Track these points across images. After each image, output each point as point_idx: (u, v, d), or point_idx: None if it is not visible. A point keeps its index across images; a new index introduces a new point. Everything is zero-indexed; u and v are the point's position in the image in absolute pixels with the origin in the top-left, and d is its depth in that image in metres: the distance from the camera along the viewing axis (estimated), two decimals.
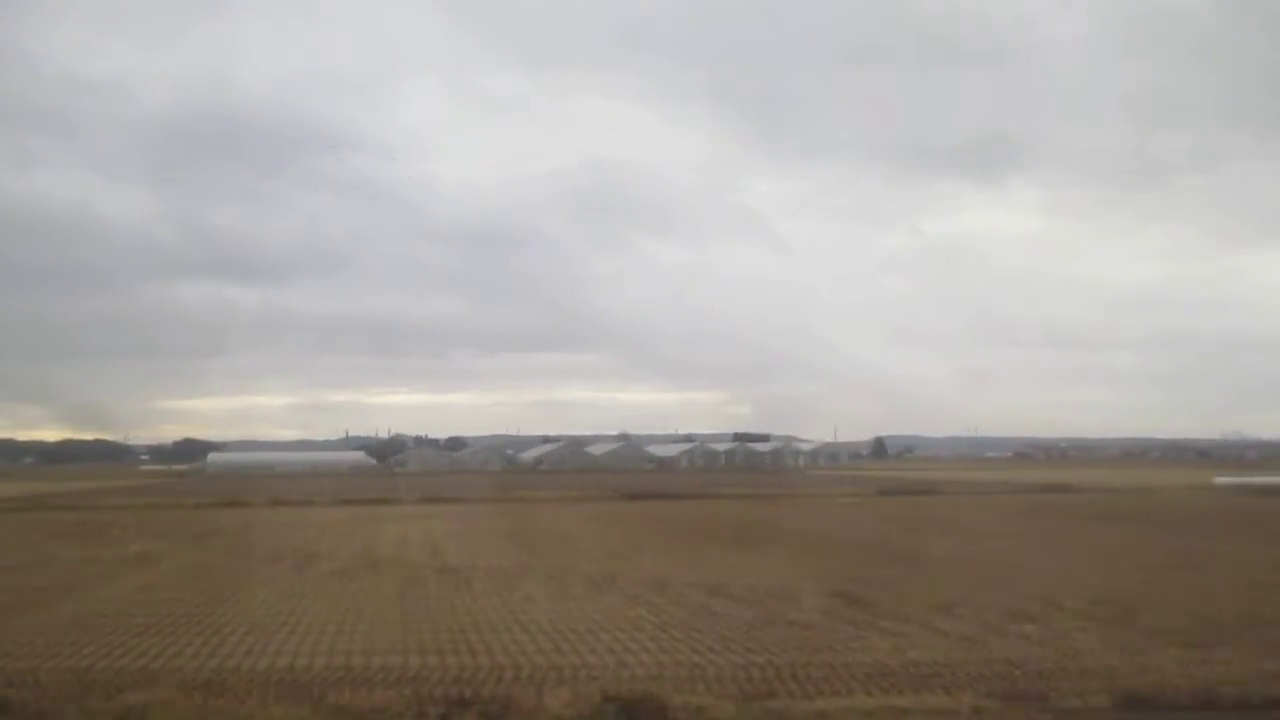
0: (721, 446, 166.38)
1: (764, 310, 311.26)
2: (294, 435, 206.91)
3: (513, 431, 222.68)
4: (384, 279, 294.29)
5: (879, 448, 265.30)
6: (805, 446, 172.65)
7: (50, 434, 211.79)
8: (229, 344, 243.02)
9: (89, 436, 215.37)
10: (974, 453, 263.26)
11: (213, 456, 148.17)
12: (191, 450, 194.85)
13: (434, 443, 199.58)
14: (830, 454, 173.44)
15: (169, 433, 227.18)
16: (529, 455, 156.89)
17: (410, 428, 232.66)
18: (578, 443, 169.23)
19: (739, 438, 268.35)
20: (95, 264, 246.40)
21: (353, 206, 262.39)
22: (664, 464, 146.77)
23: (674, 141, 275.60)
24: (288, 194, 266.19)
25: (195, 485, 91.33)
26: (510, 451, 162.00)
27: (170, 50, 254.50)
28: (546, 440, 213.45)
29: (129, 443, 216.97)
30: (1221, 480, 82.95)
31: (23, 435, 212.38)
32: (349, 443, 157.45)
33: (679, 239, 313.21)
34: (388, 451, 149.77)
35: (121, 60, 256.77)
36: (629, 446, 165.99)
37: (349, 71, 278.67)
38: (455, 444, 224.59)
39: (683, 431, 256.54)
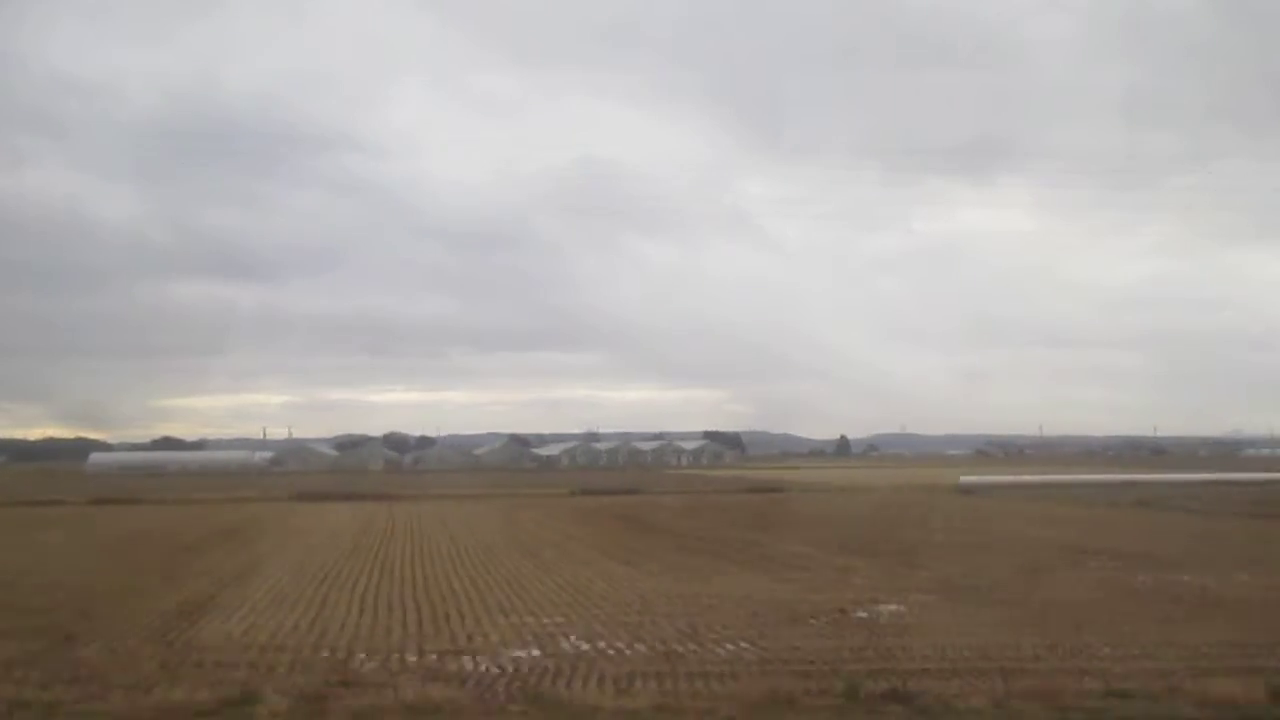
0: (604, 446, 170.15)
1: (759, 309, 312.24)
2: (294, 434, 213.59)
3: (511, 430, 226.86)
4: (378, 278, 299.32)
5: (844, 446, 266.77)
6: (689, 445, 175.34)
7: (33, 432, 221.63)
8: (225, 343, 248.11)
9: (70, 435, 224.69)
10: (938, 450, 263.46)
11: (94, 456, 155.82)
12: (168, 448, 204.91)
13: (391, 442, 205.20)
14: (714, 453, 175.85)
15: (170, 431, 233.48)
16: (410, 455, 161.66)
17: (407, 426, 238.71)
18: (471, 441, 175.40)
19: (708, 436, 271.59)
20: (89, 263, 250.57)
21: (346, 205, 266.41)
22: (546, 463, 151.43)
23: (667, 141, 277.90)
24: (281, 193, 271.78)
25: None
26: (397, 452, 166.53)
27: (161, 50, 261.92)
28: (514, 437, 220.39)
29: (112, 441, 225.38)
30: (965, 480, 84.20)
31: (4, 434, 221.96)
32: (260, 444, 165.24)
33: (673, 238, 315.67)
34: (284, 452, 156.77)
35: (112, 61, 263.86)
36: (511, 446, 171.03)
37: (340, 71, 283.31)
38: (424, 443, 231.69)
39: (680, 430, 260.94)
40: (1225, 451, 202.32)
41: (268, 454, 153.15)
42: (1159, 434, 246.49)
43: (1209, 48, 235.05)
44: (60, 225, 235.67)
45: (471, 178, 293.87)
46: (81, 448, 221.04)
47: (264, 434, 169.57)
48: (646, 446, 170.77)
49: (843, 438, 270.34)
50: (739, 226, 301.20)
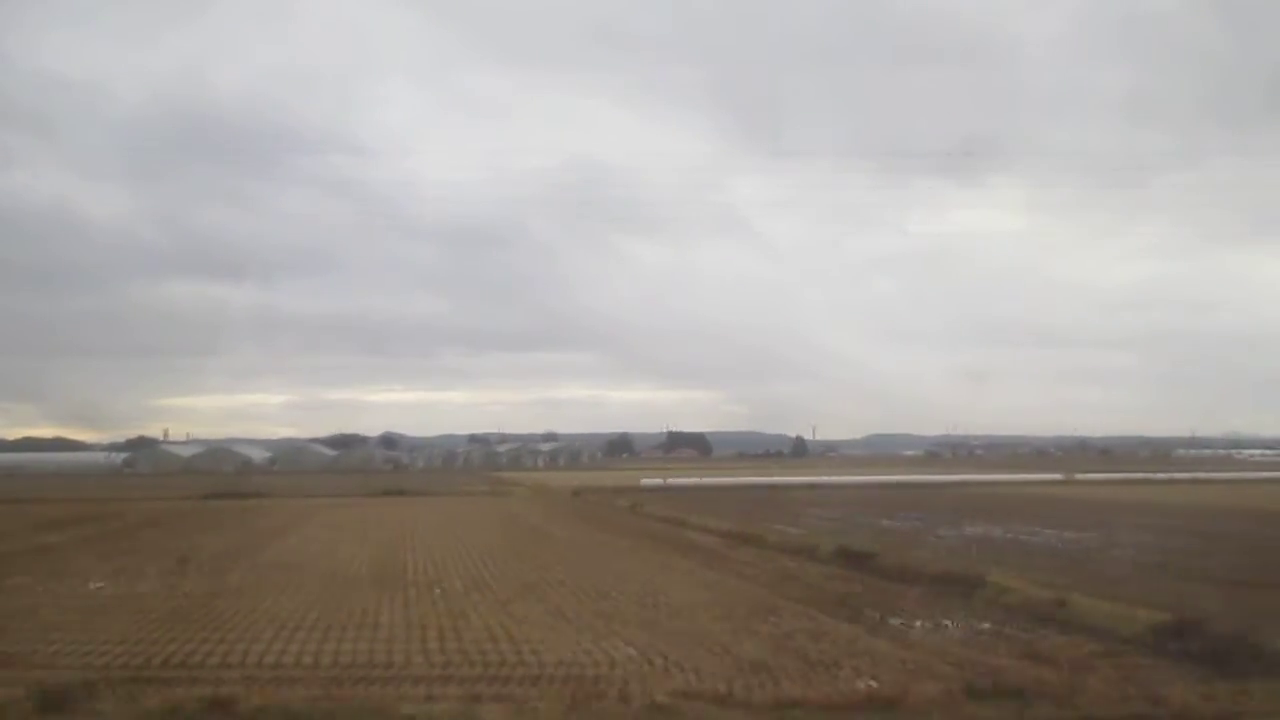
0: (461, 448, 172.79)
1: (752, 311, 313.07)
2: (291, 433, 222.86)
3: (514, 430, 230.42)
4: (372, 278, 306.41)
5: (799, 447, 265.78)
6: (545, 447, 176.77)
7: (11, 433, 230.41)
8: (220, 342, 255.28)
9: (49, 435, 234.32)
10: (895, 449, 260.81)
11: None
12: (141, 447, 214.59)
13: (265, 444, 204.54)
14: (572, 453, 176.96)
15: (170, 431, 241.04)
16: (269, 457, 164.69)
17: (402, 427, 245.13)
18: (451, 442, 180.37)
19: (672, 436, 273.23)
20: (83, 263, 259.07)
21: (338, 206, 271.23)
22: (402, 467, 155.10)
23: (660, 142, 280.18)
24: (273, 194, 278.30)
25: None
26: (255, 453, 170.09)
27: (153, 50, 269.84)
28: (473, 437, 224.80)
29: (91, 442, 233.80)
30: (646, 482, 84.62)
31: None
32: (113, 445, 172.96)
33: (665, 239, 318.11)
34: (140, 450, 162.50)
35: (104, 61, 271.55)
36: (375, 445, 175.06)
37: (331, 71, 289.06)
38: (389, 442, 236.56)
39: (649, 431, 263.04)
40: (1163, 452, 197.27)
41: (121, 455, 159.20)
42: (1150, 434, 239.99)
43: (1201, 46, 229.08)
44: (53, 225, 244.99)
45: (464, 178, 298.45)
46: (59, 449, 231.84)
47: (166, 434, 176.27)
48: (503, 449, 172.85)
49: (799, 438, 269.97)
50: (732, 227, 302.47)
